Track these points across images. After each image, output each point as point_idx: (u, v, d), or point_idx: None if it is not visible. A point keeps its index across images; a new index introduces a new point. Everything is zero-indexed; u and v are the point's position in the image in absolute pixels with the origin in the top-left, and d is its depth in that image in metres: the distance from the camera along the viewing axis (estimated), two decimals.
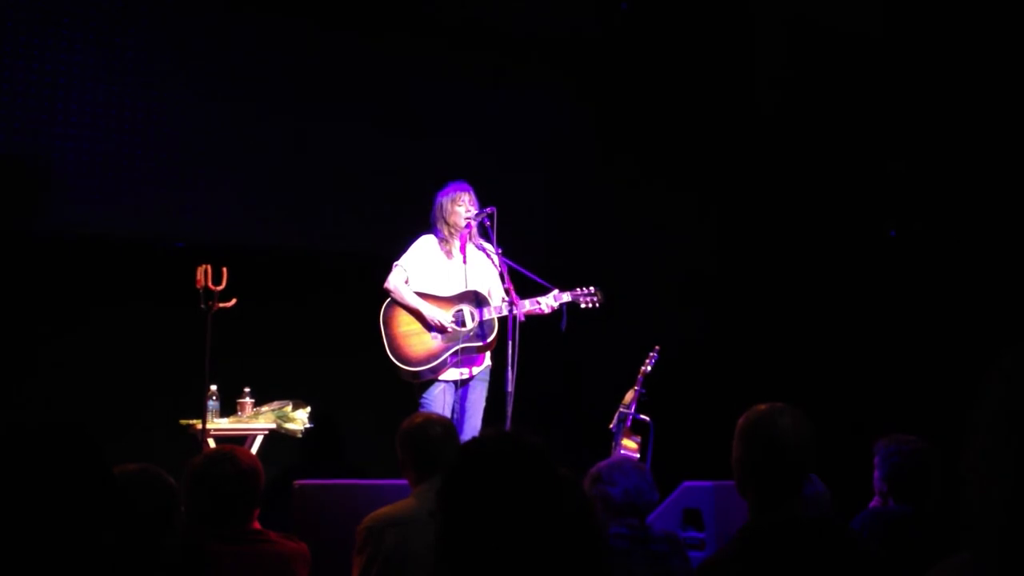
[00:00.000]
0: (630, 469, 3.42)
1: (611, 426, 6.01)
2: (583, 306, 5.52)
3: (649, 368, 6.03)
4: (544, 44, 7.09)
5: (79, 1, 6.10)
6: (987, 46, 6.41)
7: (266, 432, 5.51)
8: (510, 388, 5.20)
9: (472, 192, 5.52)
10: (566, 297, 5.49)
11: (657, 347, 6.08)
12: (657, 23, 7.26)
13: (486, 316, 5.40)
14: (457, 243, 5.51)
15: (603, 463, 3.45)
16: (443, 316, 5.40)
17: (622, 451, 5.88)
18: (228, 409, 5.53)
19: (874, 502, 3.77)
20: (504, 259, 5.41)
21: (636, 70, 7.32)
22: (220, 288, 5.07)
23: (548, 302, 5.44)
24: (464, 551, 1.73)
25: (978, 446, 1.24)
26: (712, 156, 7.41)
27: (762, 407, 2.58)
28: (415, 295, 5.45)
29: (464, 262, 5.51)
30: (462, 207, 5.47)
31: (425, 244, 5.55)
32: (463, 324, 5.42)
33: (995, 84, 6.40)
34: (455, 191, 5.50)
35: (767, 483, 2.49)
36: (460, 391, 5.46)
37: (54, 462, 1.74)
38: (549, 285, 5.50)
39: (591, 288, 5.55)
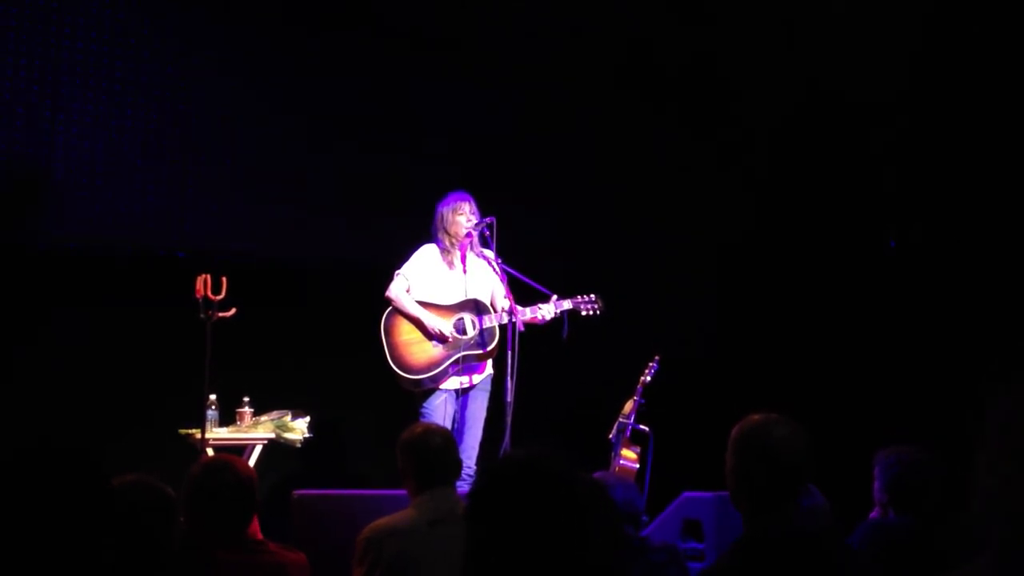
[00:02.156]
0: (614, 482, 3.43)
1: (610, 436, 6.00)
2: (584, 313, 5.52)
3: (649, 378, 6.02)
4: (544, 44, 7.07)
5: (80, 9, 6.11)
6: (987, 50, 6.42)
7: (265, 442, 5.50)
8: (509, 398, 5.21)
9: (472, 201, 5.52)
10: (567, 304, 5.48)
11: (657, 357, 6.07)
12: (657, 22, 7.25)
13: (487, 324, 5.40)
14: (458, 253, 5.51)
15: None
16: (444, 324, 5.40)
17: (621, 461, 5.87)
18: (227, 418, 5.51)
19: (874, 513, 3.76)
20: (505, 267, 5.41)
21: (636, 70, 7.31)
22: (219, 298, 5.07)
23: (549, 309, 5.43)
24: (491, 570, 1.74)
25: (993, 461, 1.24)
26: (713, 161, 7.41)
27: (756, 417, 2.57)
28: (416, 304, 5.45)
29: (465, 272, 5.51)
30: (463, 217, 5.47)
31: (426, 253, 5.55)
32: (464, 332, 5.42)
33: (995, 88, 6.40)
34: (455, 201, 5.51)
35: (761, 494, 2.48)
36: (461, 400, 5.46)
37: (56, 484, 1.81)
38: (549, 292, 5.50)
39: (592, 296, 5.55)
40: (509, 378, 5.19)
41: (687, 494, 5.10)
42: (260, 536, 3.07)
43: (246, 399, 5.57)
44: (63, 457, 1.84)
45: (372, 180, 6.71)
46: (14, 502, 1.78)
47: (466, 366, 5.41)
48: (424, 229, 5.58)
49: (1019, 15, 6.29)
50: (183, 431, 5.46)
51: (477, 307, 5.45)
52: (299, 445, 5.58)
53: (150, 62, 6.24)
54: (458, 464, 3.61)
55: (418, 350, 5.40)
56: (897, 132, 6.98)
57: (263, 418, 5.55)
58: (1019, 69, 6.33)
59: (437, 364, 5.37)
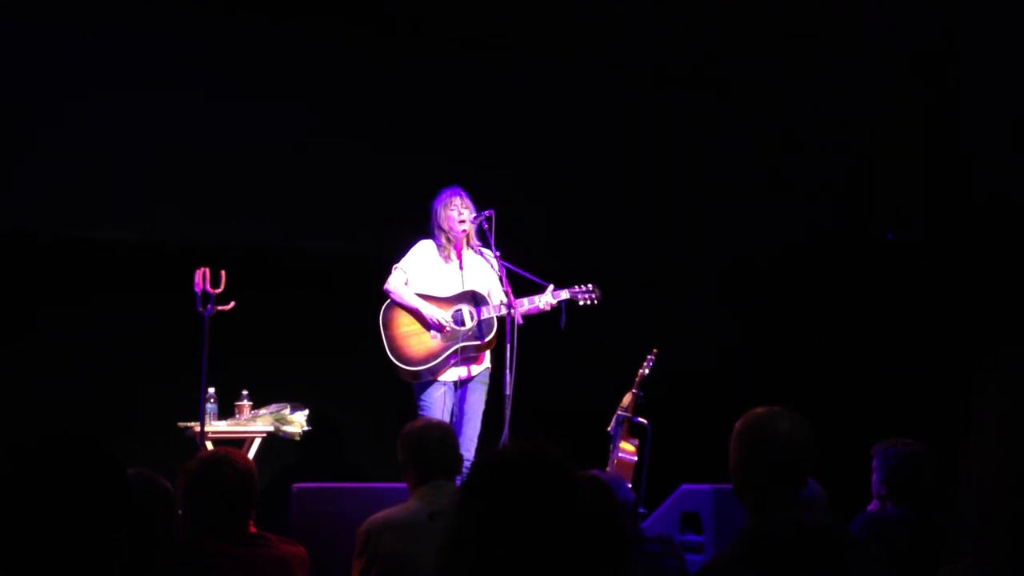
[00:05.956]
0: (604, 478, 3.43)
1: (609, 429, 6.01)
2: (581, 303, 5.52)
3: (647, 371, 6.03)
4: (545, 43, 7.06)
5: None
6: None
7: (264, 435, 5.50)
8: (508, 391, 5.21)
9: (465, 196, 5.52)
10: (564, 295, 5.49)
11: (655, 349, 6.08)
12: (656, 19, 7.24)
13: (484, 315, 5.41)
14: (454, 248, 5.52)
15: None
16: (442, 315, 5.41)
17: (620, 454, 5.88)
18: (226, 412, 5.52)
19: (872, 505, 3.77)
20: (502, 262, 5.42)
21: (636, 68, 7.31)
22: (218, 291, 5.06)
23: (546, 299, 5.44)
24: (479, 563, 1.73)
25: (984, 468, 1.24)
26: (712, 156, 7.41)
27: (760, 410, 2.56)
28: (414, 296, 5.46)
29: (461, 267, 5.52)
30: (455, 212, 5.48)
31: (424, 248, 5.56)
32: (462, 323, 5.43)
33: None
34: (447, 196, 5.52)
35: (764, 487, 2.47)
36: (459, 392, 5.47)
37: (71, 472, 1.81)
38: (546, 283, 5.50)
39: (589, 285, 5.55)
40: (508, 371, 5.20)
41: (685, 486, 5.11)
42: (253, 529, 3.07)
43: (245, 392, 5.58)
44: (82, 445, 1.84)
45: (371, 175, 6.70)
46: (33, 489, 1.78)
47: (464, 357, 5.43)
48: (423, 223, 5.59)
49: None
50: (182, 424, 5.47)
51: (475, 299, 5.46)
52: (298, 438, 5.59)
53: (145, 53, 6.21)
54: (458, 458, 3.62)
55: (416, 342, 5.41)
56: (895, 124, 6.99)
57: (262, 411, 5.55)
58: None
59: (435, 355, 5.38)
